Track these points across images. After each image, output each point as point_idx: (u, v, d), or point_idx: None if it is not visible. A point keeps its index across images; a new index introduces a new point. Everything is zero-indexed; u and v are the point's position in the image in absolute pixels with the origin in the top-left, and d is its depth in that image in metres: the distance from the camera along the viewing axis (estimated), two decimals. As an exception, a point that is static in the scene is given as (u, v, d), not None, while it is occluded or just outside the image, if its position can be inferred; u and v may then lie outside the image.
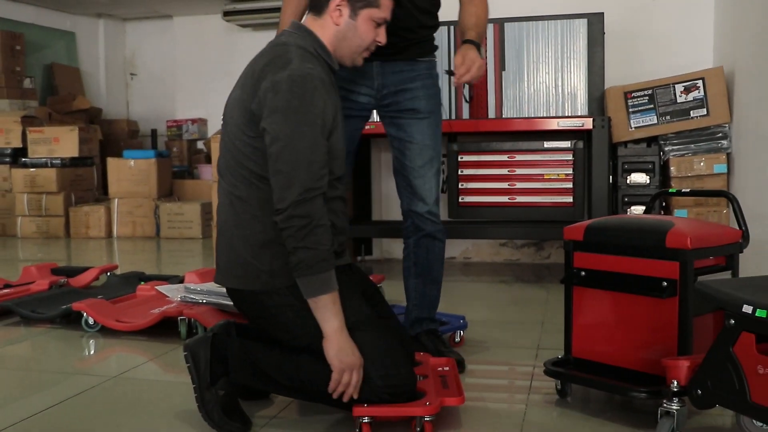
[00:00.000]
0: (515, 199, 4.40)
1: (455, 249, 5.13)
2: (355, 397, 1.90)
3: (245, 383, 2.06)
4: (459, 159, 4.45)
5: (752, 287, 1.67)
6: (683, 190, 2.37)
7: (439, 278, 2.62)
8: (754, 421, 1.83)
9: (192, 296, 3.07)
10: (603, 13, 4.52)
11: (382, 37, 2.13)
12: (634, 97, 4.36)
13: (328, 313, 1.88)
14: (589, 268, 2.15)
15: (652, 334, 2.01)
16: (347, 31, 2.06)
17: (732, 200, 2.24)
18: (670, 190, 2.42)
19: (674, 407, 1.76)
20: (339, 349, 1.87)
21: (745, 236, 2.16)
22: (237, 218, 2.01)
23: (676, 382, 1.76)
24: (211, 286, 3.14)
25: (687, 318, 1.94)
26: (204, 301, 3.02)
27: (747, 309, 1.54)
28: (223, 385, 1.99)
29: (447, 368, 2.23)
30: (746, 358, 1.57)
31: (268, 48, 2.06)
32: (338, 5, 2.05)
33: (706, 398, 1.68)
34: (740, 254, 2.19)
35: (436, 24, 2.62)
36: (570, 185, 4.32)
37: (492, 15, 4.59)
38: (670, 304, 1.97)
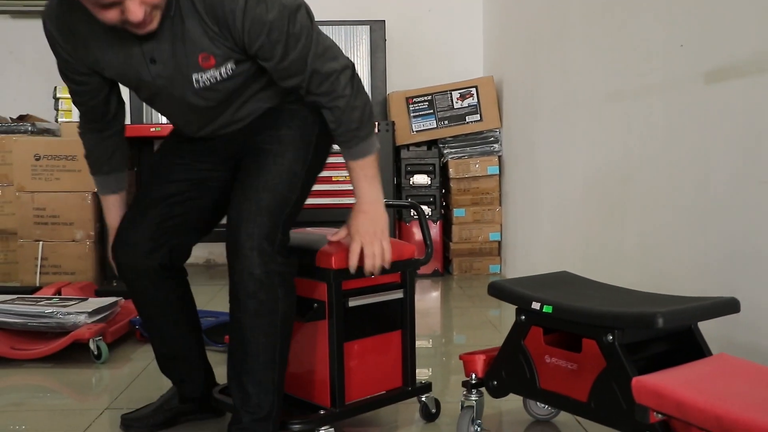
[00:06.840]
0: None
1: (202, 251, 5.16)
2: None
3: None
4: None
5: (540, 285, 1.84)
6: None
7: None
8: (538, 403, 2.04)
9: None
10: (384, 20, 4.72)
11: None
12: (415, 102, 4.59)
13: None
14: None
15: (308, 358, 1.95)
16: None
17: (419, 213, 2.23)
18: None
19: (473, 398, 1.89)
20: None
21: (428, 252, 2.14)
22: None
23: (474, 375, 1.90)
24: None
25: (337, 341, 1.88)
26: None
27: (536, 306, 1.70)
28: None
29: None
30: (536, 349, 1.73)
31: None
32: None
33: (502, 388, 1.83)
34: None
35: None
36: (358, 187, 4.46)
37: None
38: (321, 327, 1.90)
